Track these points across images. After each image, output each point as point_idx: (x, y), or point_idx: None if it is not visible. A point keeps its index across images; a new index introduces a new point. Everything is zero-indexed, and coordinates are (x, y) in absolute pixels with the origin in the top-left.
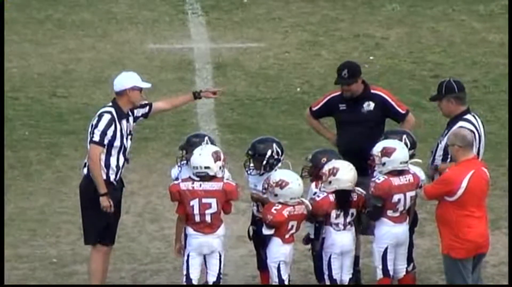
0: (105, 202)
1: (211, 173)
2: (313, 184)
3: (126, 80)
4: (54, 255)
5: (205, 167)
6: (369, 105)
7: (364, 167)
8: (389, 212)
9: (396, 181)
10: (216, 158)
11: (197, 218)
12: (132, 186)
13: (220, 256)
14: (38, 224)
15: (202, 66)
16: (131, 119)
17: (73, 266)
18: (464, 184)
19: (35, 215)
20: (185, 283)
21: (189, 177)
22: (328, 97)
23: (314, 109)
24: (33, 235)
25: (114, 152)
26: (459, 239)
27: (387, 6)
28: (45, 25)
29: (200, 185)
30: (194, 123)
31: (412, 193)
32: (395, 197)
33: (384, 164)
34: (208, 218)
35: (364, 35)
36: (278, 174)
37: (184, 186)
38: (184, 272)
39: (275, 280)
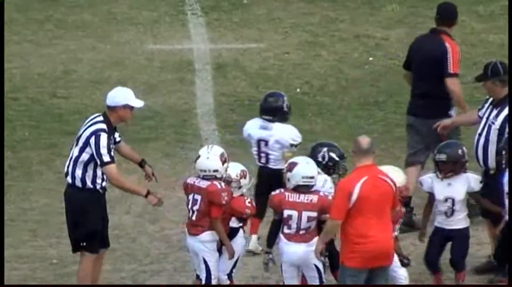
0: (154, 200)
1: (219, 176)
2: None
3: (120, 97)
4: (54, 256)
5: (214, 171)
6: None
7: (421, 105)
8: (285, 228)
9: (292, 197)
10: (224, 160)
11: (189, 213)
12: None
13: (205, 261)
14: (39, 224)
15: (202, 66)
16: (116, 133)
17: (73, 267)
18: (356, 190)
19: (36, 215)
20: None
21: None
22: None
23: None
24: (34, 236)
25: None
26: (354, 248)
27: (387, 7)
28: (45, 26)
29: (199, 182)
30: (194, 124)
31: (310, 214)
32: (285, 213)
33: (288, 179)
34: (194, 215)
35: (364, 36)
36: None
37: (190, 180)
38: None
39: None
